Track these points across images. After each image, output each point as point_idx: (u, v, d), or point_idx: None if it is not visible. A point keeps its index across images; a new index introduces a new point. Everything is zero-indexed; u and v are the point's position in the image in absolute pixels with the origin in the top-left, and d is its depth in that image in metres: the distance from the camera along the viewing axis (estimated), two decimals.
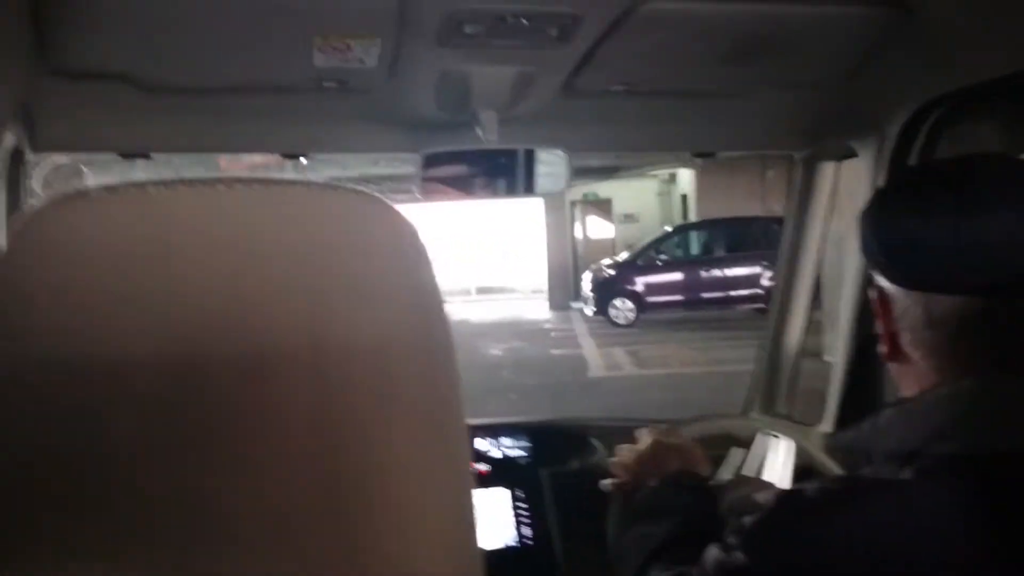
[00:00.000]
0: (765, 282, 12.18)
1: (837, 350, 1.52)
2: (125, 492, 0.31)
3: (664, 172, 16.14)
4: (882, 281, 0.78)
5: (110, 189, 0.34)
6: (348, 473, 0.34)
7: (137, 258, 0.32)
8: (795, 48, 1.20)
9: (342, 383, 0.34)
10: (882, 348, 0.79)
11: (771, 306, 1.75)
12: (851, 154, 1.46)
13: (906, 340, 0.76)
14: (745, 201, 13.29)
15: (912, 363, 0.76)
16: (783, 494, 0.73)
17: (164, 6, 1.00)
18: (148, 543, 0.31)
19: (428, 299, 0.38)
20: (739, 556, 0.70)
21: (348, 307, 0.35)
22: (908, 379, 0.77)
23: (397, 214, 0.38)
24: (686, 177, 15.37)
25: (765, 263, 12.17)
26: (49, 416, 0.31)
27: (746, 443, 1.57)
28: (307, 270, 0.34)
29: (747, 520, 0.71)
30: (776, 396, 1.74)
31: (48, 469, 0.31)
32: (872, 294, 0.80)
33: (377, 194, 0.37)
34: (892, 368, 0.80)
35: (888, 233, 0.75)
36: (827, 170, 1.59)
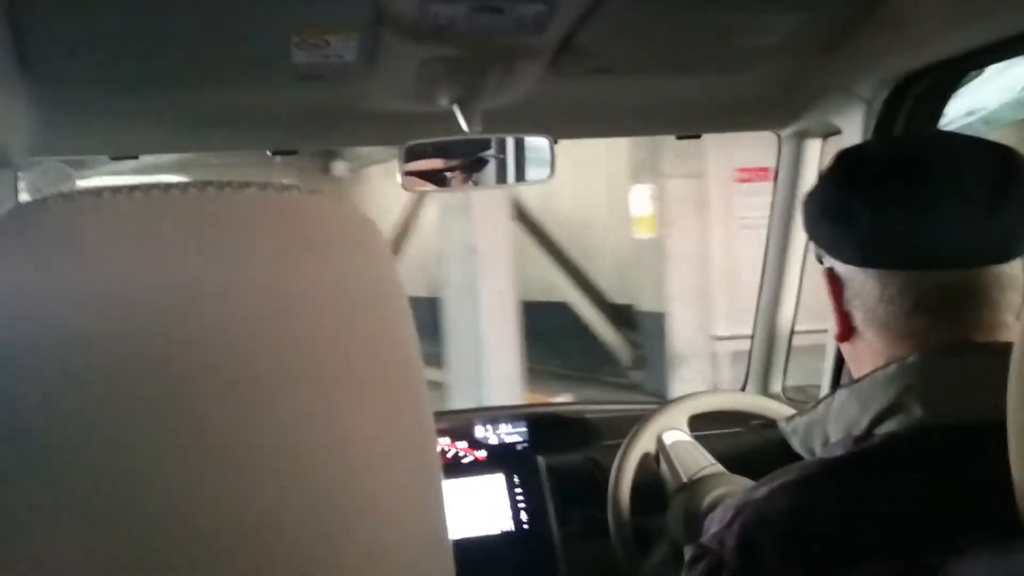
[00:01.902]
0: None
1: (830, 330, 1.53)
2: (72, 498, 0.32)
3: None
4: (832, 261, 0.78)
5: (67, 197, 0.34)
6: (314, 467, 0.35)
7: (94, 266, 0.33)
8: (775, 23, 1.19)
9: (306, 378, 0.35)
10: (834, 329, 0.79)
11: (762, 286, 1.75)
12: (835, 131, 1.46)
13: (859, 318, 0.76)
14: None
15: (865, 342, 0.77)
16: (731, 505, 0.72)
17: (143, 8, 1.00)
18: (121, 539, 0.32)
19: (388, 293, 0.39)
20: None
21: (307, 305, 0.35)
22: (859, 359, 0.78)
23: (356, 213, 0.38)
24: None
25: None
26: (15, 420, 0.32)
27: (745, 419, 1.59)
28: (265, 271, 0.34)
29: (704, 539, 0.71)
30: (771, 375, 1.75)
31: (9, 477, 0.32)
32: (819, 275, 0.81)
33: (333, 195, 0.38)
34: (844, 349, 0.80)
35: (839, 214, 0.75)
36: (813, 147, 1.59)
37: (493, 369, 5.97)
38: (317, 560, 0.35)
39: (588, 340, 7.33)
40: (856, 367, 0.79)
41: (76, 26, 1.02)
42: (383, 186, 9.69)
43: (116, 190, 0.34)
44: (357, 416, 0.36)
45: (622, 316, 7.05)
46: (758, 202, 4.21)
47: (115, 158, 1.50)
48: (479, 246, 6.06)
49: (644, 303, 6.20)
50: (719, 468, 1.34)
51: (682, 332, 5.71)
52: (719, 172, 5.53)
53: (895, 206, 0.72)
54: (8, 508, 0.32)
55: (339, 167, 10.20)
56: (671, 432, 1.41)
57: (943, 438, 0.68)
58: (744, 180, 4.99)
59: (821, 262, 0.82)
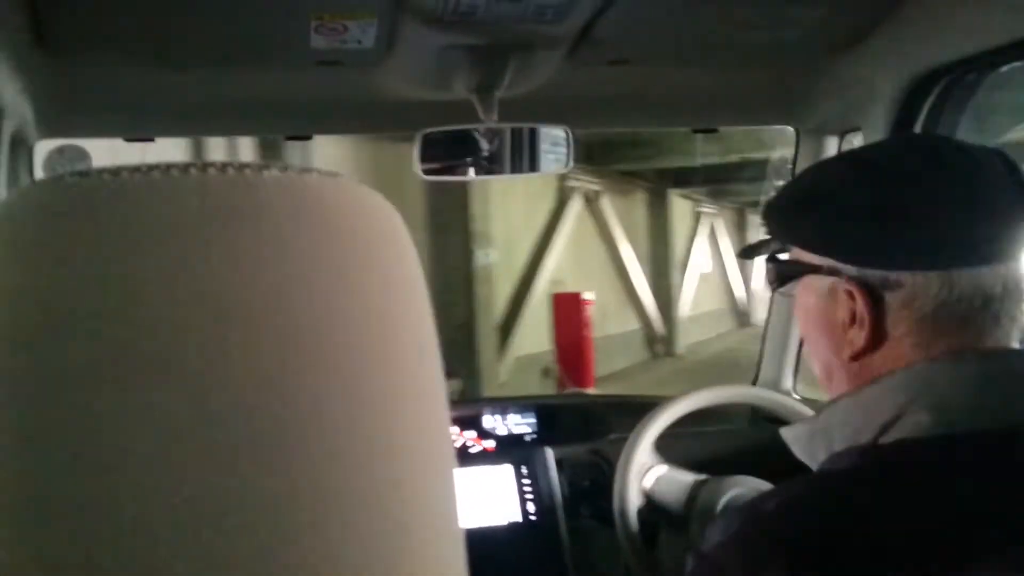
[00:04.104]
0: None
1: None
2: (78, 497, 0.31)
3: None
4: (861, 270, 0.72)
5: (83, 175, 0.34)
6: (326, 452, 0.34)
7: (109, 247, 0.32)
8: (796, 17, 1.18)
9: (321, 365, 0.34)
10: (855, 343, 0.73)
11: None
12: (854, 127, 1.45)
13: (903, 328, 0.71)
14: None
15: (888, 352, 0.72)
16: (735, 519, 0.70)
17: None
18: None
19: (407, 279, 0.38)
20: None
21: (325, 289, 0.35)
22: (870, 372, 0.73)
23: (374, 196, 0.38)
24: None
25: None
26: (8, 406, 0.32)
27: (755, 414, 1.59)
28: (284, 255, 0.34)
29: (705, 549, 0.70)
30: (782, 373, 1.75)
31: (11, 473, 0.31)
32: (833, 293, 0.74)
33: (351, 179, 0.37)
34: (843, 368, 0.75)
35: (890, 212, 0.70)
36: (831, 144, 1.58)
37: None
38: (327, 546, 0.34)
39: None
40: (857, 381, 0.74)
41: (94, 6, 1.02)
42: None
43: (135, 169, 0.34)
44: (372, 402, 0.36)
45: None
46: None
47: (130, 140, 1.50)
48: None
49: None
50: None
51: None
52: None
53: (955, 202, 0.69)
54: (4, 506, 0.31)
55: None
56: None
57: (955, 446, 0.66)
58: None
59: (792, 279, 0.79)
